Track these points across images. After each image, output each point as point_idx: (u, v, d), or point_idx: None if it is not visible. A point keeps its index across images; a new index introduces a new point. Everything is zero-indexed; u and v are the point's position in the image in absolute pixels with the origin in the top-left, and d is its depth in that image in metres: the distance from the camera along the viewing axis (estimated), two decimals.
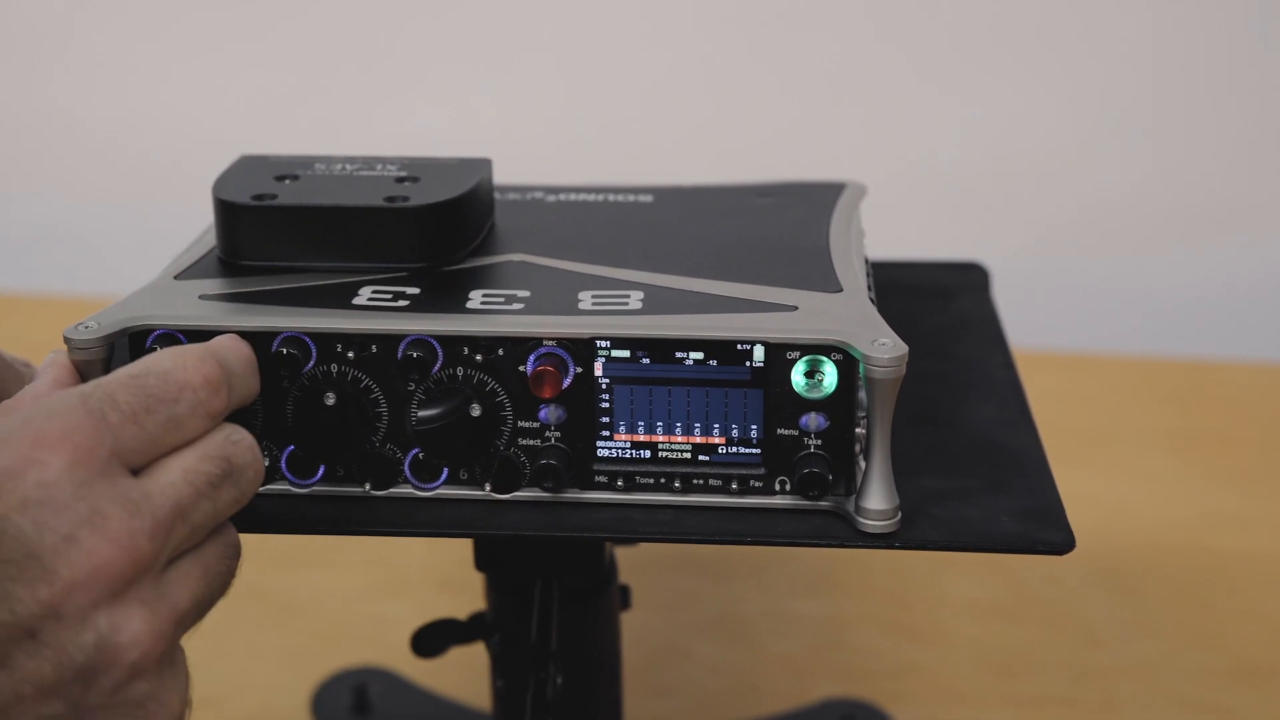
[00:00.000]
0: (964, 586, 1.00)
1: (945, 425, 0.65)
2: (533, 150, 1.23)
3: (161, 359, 0.50)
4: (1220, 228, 1.34)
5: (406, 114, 1.39)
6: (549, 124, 1.38)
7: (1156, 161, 1.33)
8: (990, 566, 1.01)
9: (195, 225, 0.72)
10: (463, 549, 0.97)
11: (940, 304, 0.77)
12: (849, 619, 0.98)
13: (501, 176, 0.71)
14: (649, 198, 0.74)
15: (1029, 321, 1.08)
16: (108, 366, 0.57)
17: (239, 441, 0.51)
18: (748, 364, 0.57)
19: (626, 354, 0.57)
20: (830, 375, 0.57)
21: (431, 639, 0.72)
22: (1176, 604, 0.99)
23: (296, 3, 1.38)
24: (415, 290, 0.60)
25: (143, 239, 1.41)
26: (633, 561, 0.74)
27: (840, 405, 0.57)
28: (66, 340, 0.56)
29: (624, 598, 0.74)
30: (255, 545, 1.09)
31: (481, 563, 0.69)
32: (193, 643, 0.97)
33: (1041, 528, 0.57)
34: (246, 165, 0.67)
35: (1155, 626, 0.97)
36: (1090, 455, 1.15)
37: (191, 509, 0.48)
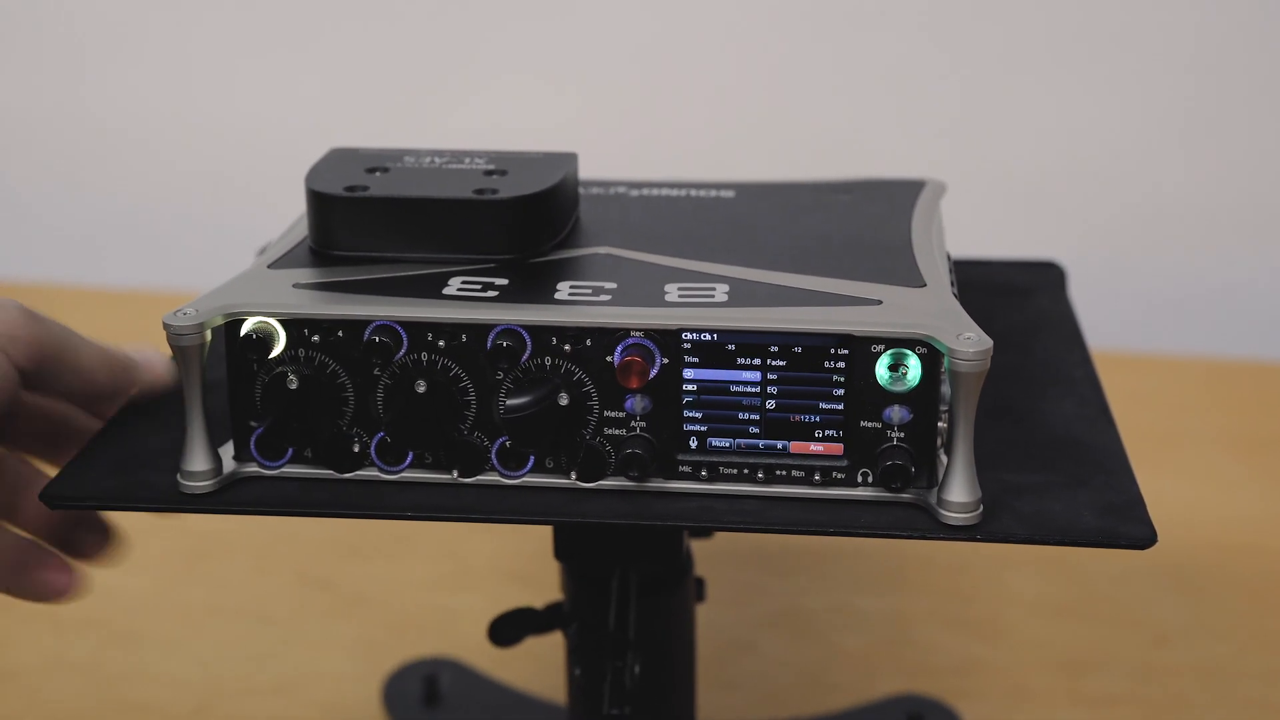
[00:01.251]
0: (1029, 584, 1.00)
1: (1024, 421, 0.65)
2: (597, 148, 1.24)
3: None
4: None
5: (454, 117, 1.40)
6: (611, 123, 1.39)
7: (1225, 163, 1.33)
8: (1055, 565, 1.01)
9: (273, 221, 0.74)
10: (531, 541, 0.98)
11: (1017, 302, 0.77)
12: (915, 615, 0.98)
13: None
14: (731, 193, 0.75)
15: (1094, 322, 1.08)
16: (204, 352, 0.58)
17: None
18: (832, 356, 0.58)
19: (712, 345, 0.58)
20: (914, 368, 0.57)
21: (508, 628, 0.73)
22: (1244, 605, 0.99)
23: (350, 6, 1.39)
24: (504, 281, 0.61)
25: (219, 236, 1.44)
26: (698, 555, 0.75)
27: (923, 398, 0.57)
28: (165, 326, 0.57)
29: (699, 590, 0.75)
30: (326, 537, 1.10)
31: (561, 552, 0.69)
32: (265, 632, 0.98)
33: (1123, 522, 0.57)
34: (337, 158, 0.68)
35: (1222, 627, 0.97)
36: (1157, 456, 1.15)
37: None
